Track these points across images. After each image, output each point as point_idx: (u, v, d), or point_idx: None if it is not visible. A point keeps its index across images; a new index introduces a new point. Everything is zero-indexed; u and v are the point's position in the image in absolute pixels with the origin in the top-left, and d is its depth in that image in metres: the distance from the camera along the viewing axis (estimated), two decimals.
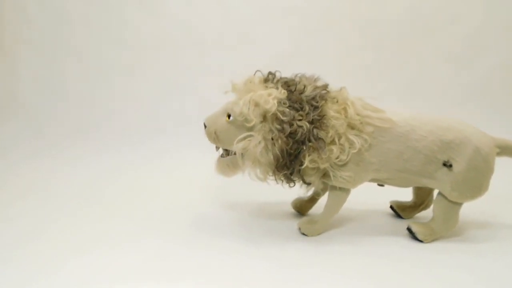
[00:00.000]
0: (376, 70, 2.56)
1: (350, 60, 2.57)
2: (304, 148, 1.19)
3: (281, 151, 1.18)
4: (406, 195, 1.53)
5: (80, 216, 1.49)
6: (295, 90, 1.21)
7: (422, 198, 1.48)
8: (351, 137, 1.22)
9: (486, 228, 1.43)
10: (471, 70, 2.51)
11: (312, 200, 1.52)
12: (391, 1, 2.51)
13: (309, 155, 1.19)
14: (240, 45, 2.67)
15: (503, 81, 2.49)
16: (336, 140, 1.21)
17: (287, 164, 1.21)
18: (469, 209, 1.44)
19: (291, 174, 1.23)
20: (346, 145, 1.21)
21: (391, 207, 1.52)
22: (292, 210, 1.55)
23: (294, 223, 1.45)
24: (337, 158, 1.22)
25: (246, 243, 1.31)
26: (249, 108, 1.19)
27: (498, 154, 1.30)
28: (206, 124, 1.32)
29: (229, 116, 1.27)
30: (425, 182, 1.31)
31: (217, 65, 2.66)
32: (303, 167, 1.20)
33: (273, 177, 1.27)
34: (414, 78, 2.55)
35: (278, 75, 1.29)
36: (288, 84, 1.23)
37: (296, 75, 1.29)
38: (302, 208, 1.52)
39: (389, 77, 2.56)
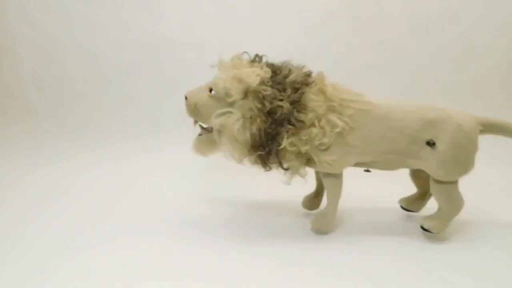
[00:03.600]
0: (376, 70, 2.56)
1: (350, 60, 2.57)
2: (283, 129, 1.19)
3: (259, 130, 1.19)
4: (409, 191, 1.54)
5: (79, 217, 1.49)
6: (280, 73, 1.22)
7: (424, 187, 1.47)
8: (332, 118, 1.22)
9: (488, 228, 1.43)
10: (471, 70, 2.52)
11: (318, 194, 1.52)
12: (391, 1, 2.51)
13: (287, 138, 1.20)
14: (240, 45, 2.66)
15: (503, 81, 2.50)
16: (316, 122, 1.21)
17: (263, 144, 1.21)
18: (471, 209, 1.44)
19: (267, 155, 1.23)
20: (327, 127, 1.22)
21: (401, 207, 1.53)
22: (301, 209, 1.55)
23: (299, 221, 1.45)
24: (319, 141, 1.22)
25: (249, 242, 1.31)
26: (231, 84, 1.20)
27: (482, 132, 1.29)
28: (187, 97, 1.31)
29: (211, 90, 1.27)
30: (411, 163, 1.30)
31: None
32: (280, 147, 1.20)
33: (249, 158, 1.26)
34: (414, 78, 2.56)
35: (264, 59, 1.30)
36: (274, 67, 1.25)
37: (283, 62, 1.30)
38: (311, 205, 1.53)
39: (389, 77, 2.56)
